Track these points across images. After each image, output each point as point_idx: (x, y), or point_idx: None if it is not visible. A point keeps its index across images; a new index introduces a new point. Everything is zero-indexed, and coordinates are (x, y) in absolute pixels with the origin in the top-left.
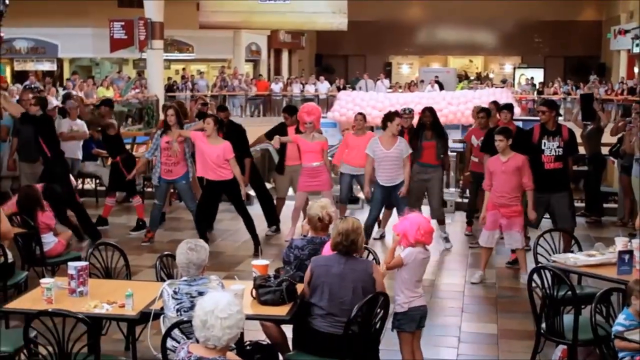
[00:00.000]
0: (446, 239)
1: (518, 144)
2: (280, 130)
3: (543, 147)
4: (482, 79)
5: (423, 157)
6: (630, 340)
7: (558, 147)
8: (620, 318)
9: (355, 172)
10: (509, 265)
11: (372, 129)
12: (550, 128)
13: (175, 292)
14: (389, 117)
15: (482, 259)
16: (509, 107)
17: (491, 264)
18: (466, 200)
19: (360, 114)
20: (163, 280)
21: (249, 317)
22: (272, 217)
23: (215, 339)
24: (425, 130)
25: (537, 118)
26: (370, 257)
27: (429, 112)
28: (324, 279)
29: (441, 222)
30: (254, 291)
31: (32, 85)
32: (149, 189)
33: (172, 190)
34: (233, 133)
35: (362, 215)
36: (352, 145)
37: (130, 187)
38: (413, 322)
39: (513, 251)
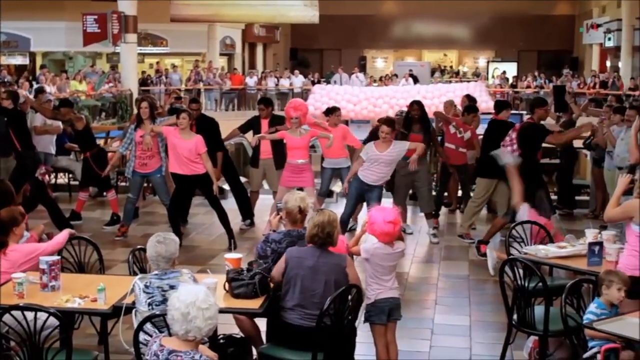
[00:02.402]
0: (434, 235)
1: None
2: (254, 123)
3: None
4: (451, 73)
5: (409, 150)
6: (601, 331)
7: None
8: (592, 307)
9: (336, 166)
10: (481, 257)
11: (346, 122)
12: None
13: (146, 286)
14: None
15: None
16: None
17: (464, 257)
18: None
19: (335, 108)
20: (136, 274)
21: (222, 310)
22: (247, 211)
23: (197, 330)
24: (413, 123)
25: (514, 112)
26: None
27: (417, 105)
28: (297, 270)
29: (429, 215)
30: (226, 284)
31: (4, 79)
32: (123, 183)
33: (145, 185)
34: (205, 126)
35: (336, 208)
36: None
37: (104, 181)
38: (382, 314)
39: (482, 242)
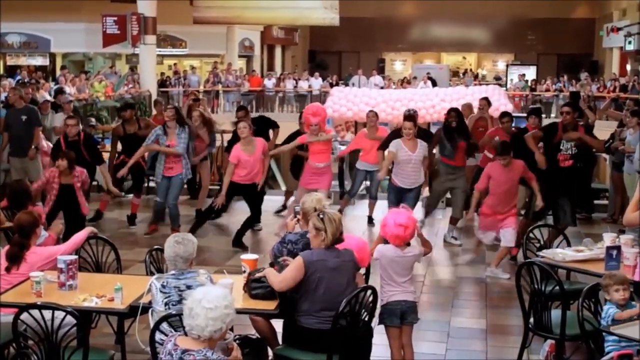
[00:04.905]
0: (455, 238)
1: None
2: (296, 136)
3: (561, 147)
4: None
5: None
6: (618, 335)
7: (573, 147)
8: (605, 310)
9: (370, 169)
10: (511, 262)
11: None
12: (569, 128)
13: (163, 286)
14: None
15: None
16: (536, 112)
17: (480, 260)
18: None
19: (371, 111)
20: (153, 274)
21: (238, 311)
22: (258, 216)
23: (199, 328)
24: (454, 132)
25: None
26: None
27: (454, 112)
28: (321, 273)
29: (454, 220)
30: (245, 286)
31: (25, 80)
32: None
33: None
34: (262, 126)
35: (353, 211)
36: (366, 144)
37: (140, 183)
38: (394, 316)
39: (516, 246)
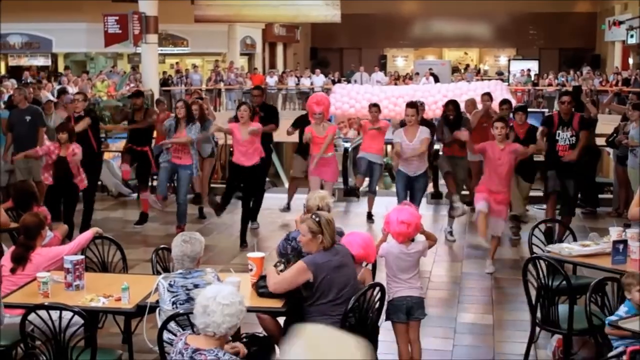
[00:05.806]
0: (450, 233)
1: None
2: (303, 120)
3: (557, 138)
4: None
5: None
6: (624, 329)
7: (571, 136)
8: (622, 310)
9: (372, 159)
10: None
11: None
12: (565, 118)
13: (170, 285)
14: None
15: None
16: (522, 109)
17: (486, 255)
18: None
19: (374, 105)
20: (159, 273)
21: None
22: (255, 214)
23: (215, 325)
24: (448, 124)
25: (535, 110)
26: None
27: (452, 105)
28: (330, 275)
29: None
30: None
31: (28, 81)
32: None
33: (168, 184)
34: (269, 113)
35: (358, 208)
36: (367, 135)
37: (146, 178)
38: (400, 312)
39: None
